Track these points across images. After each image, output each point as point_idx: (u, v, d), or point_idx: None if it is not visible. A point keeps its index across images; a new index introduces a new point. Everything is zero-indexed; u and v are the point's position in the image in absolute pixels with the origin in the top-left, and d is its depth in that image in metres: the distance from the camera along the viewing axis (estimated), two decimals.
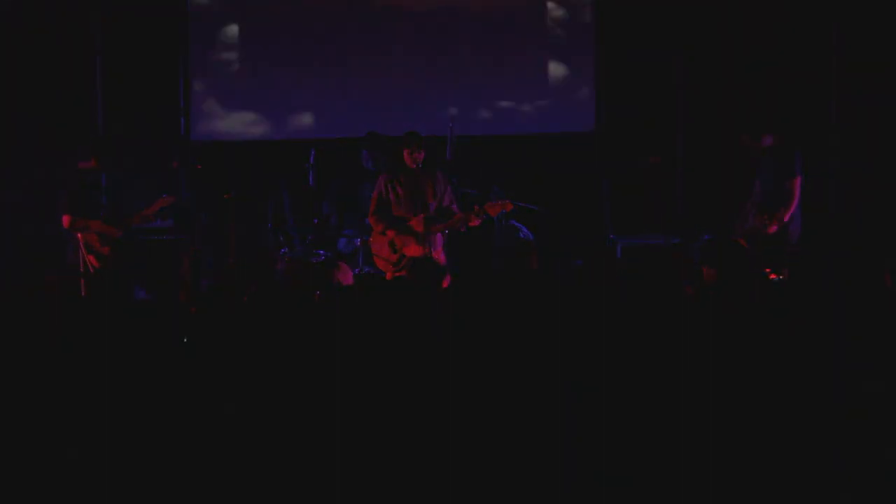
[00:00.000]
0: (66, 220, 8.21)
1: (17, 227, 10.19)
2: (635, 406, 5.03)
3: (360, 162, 9.79)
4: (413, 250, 8.41)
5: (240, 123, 10.49)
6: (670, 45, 10.67)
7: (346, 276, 7.51)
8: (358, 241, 8.82)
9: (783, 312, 5.75)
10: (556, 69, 10.65)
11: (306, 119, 10.50)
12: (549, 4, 10.59)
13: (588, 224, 10.75)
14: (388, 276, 8.31)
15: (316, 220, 9.29)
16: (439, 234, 8.57)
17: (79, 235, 8.21)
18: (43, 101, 10.25)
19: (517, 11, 10.52)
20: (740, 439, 4.90)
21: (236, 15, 10.42)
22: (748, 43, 10.74)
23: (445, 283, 6.85)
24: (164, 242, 9.34)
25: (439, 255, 8.46)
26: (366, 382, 5.06)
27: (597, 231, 10.64)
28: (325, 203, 9.89)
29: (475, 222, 8.51)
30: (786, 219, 8.63)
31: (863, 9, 10.69)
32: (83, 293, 7.81)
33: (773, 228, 8.56)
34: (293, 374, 5.17)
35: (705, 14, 10.72)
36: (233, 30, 10.45)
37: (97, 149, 8.35)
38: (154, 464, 4.88)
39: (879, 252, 6.64)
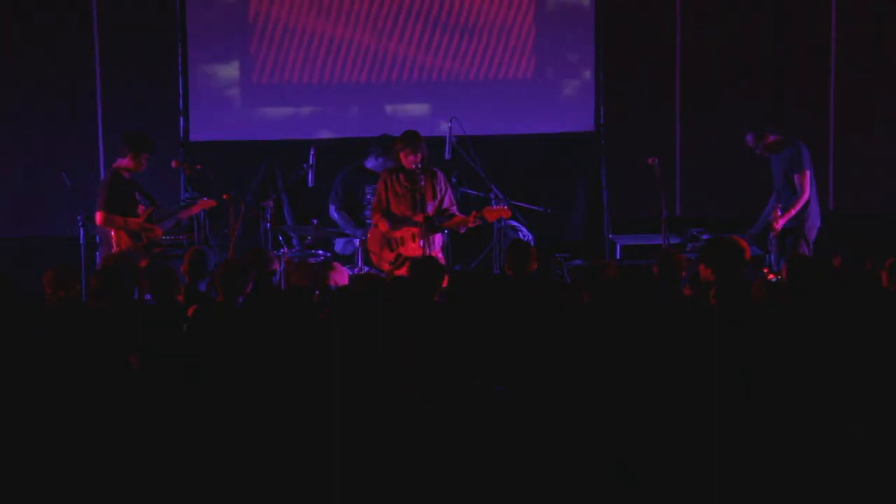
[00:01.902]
0: (99, 216, 8.07)
1: (16, 227, 10.20)
2: (635, 406, 5.03)
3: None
4: (411, 250, 8.41)
5: (239, 123, 10.48)
6: (670, 45, 10.67)
7: (342, 277, 7.52)
8: (357, 242, 8.81)
9: (782, 312, 5.75)
10: (555, 69, 10.64)
11: (306, 119, 10.50)
12: (550, 3, 10.58)
13: (588, 224, 10.75)
14: (386, 273, 8.30)
15: (315, 220, 9.28)
16: (438, 235, 8.58)
17: (112, 234, 8.11)
18: (42, 101, 10.25)
19: (517, 11, 10.51)
20: (740, 439, 4.90)
21: (236, 15, 10.41)
22: (748, 41, 10.73)
23: (444, 283, 6.84)
24: (164, 242, 9.32)
25: (438, 256, 8.46)
26: (364, 382, 5.06)
27: (596, 231, 10.64)
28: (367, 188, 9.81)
29: (472, 225, 8.53)
30: (792, 213, 8.59)
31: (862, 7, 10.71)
32: (86, 292, 7.74)
33: (779, 224, 8.53)
34: (291, 373, 5.17)
35: (706, 12, 10.71)
36: (233, 30, 10.44)
37: (134, 145, 8.19)
38: (152, 462, 4.89)
39: (877, 253, 6.63)
